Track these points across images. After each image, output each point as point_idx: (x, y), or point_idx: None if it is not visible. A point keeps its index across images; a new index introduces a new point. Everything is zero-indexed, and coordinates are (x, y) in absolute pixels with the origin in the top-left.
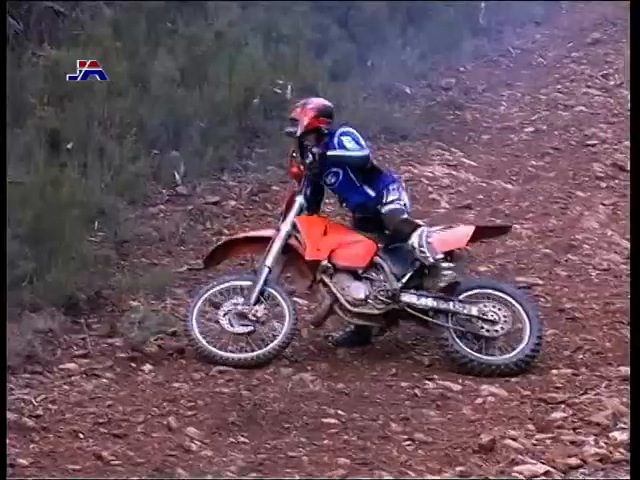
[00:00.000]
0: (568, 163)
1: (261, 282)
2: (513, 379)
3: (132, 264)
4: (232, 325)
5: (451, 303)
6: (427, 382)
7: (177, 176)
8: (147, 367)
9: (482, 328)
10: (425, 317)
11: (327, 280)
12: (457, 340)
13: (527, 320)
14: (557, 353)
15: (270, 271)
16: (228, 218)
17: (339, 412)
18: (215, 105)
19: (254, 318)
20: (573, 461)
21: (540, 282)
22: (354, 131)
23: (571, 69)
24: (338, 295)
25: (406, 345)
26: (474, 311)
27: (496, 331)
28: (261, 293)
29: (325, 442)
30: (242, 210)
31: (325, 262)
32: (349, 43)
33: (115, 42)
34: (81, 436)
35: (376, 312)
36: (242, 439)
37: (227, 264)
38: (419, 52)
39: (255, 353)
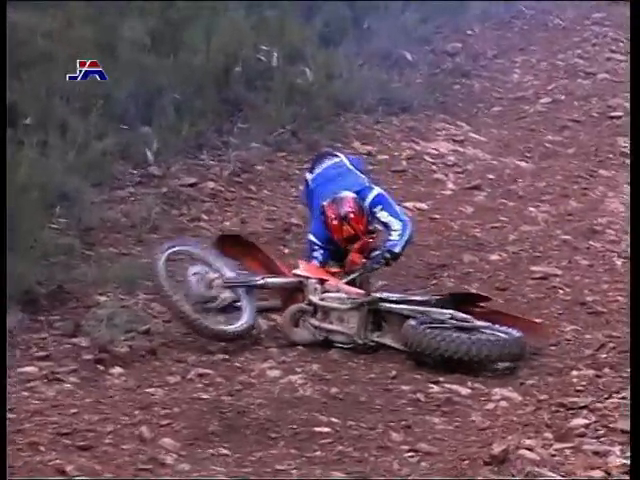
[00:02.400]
0: (589, 138)
1: (247, 282)
2: (528, 381)
3: (99, 254)
4: (198, 286)
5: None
6: (431, 385)
7: (149, 154)
8: (116, 370)
9: (451, 320)
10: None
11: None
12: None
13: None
14: (578, 352)
15: (263, 285)
16: (207, 202)
17: (332, 420)
18: (191, 74)
19: (215, 294)
20: (596, 473)
21: (558, 272)
22: (382, 192)
23: (592, 31)
24: None
25: None
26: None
27: (467, 322)
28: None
29: (317, 454)
30: (223, 193)
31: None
32: (342, 3)
33: (78, 4)
34: (42, 449)
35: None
36: (223, 451)
37: None
38: (421, 13)
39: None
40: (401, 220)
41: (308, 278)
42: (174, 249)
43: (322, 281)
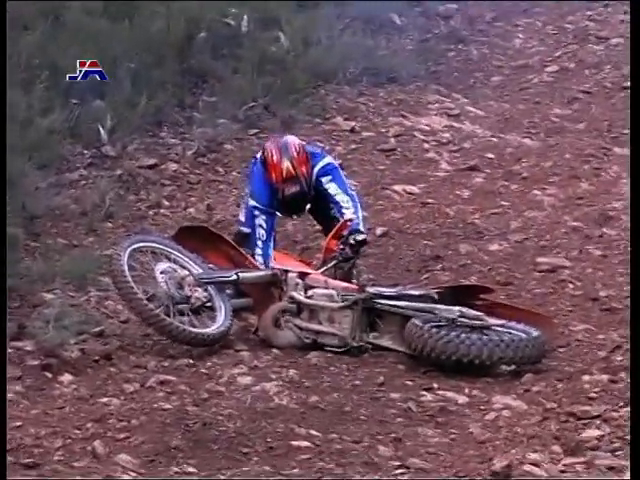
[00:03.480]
0: (602, 111)
1: (220, 278)
2: (534, 388)
3: (45, 246)
4: (167, 286)
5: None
6: (424, 393)
7: (102, 132)
8: (66, 377)
9: (462, 318)
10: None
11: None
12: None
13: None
14: (590, 354)
15: (236, 280)
16: (168, 186)
17: (312, 432)
18: (149, 41)
19: (189, 293)
20: None
21: (567, 264)
22: (333, 163)
23: None
24: None
25: None
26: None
27: (480, 320)
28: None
29: (295, 471)
30: (186, 175)
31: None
32: None
33: None
34: None
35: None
36: (189, 468)
37: None
38: None
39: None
40: (349, 195)
41: (287, 272)
42: (137, 245)
43: (302, 274)
